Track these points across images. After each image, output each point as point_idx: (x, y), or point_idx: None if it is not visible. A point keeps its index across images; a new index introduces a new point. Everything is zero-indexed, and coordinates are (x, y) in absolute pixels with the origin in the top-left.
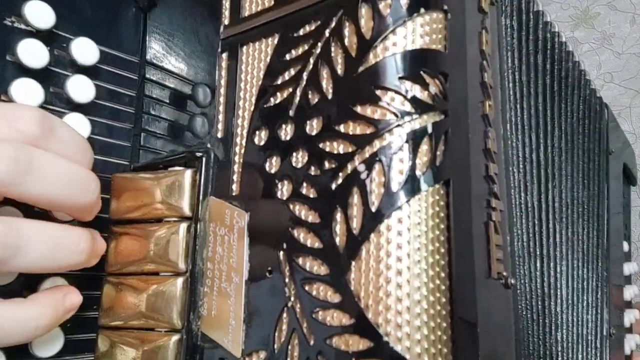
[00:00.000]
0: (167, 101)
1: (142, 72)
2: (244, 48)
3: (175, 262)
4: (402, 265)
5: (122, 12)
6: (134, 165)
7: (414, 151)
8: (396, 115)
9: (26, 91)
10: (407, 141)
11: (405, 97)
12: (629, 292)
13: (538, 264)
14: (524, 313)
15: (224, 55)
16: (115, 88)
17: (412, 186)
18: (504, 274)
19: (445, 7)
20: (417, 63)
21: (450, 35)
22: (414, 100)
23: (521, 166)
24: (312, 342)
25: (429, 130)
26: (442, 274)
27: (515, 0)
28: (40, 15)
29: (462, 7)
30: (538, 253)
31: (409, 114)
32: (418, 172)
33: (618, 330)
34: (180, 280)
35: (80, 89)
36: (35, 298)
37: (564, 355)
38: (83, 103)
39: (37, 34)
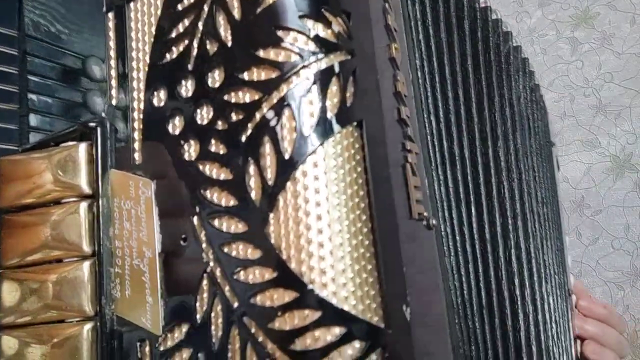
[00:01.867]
0: (56, 78)
1: (23, 47)
2: (131, 4)
3: (78, 245)
4: (321, 210)
5: None
6: (23, 147)
7: (323, 92)
8: (301, 56)
9: None
10: (314, 82)
11: (308, 36)
12: None
13: (473, 210)
14: (453, 254)
15: (110, 15)
16: None
17: (324, 128)
18: (425, 214)
19: None
20: (317, 0)
21: None
22: (318, 40)
23: (441, 115)
24: (235, 305)
25: (337, 69)
26: (364, 216)
27: None
28: None
29: None
30: (473, 200)
31: (314, 53)
32: (329, 114)
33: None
34: (86, 264)
35: None
36: None
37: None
38: None
39: None
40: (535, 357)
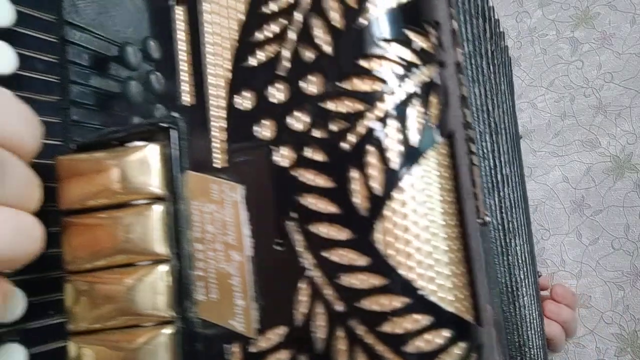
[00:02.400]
0: (92, 66)
1: (62, 33)
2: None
3: (154, 248)
4: (427, 219)
5: None
6: (76, 144)
7: (425, 103)
8: (405, 68)
9: None
10: (418, 94)
11: (411, 48)
12: None
13: (496, 201)
14: (492, 247)
15: (180, 10)
16: (36, 54)
17: (428, 139)
18: (486, 213)
19: None
20: (417, 11)
21: None
22: (420, 51)
23: (475, 115)
24: (339, 308)
25: (436, 80)
26: (456, 221)
27: None
28: None
29: None
30: (493, 191)
31: (416, 65)
32: (432, 124)
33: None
34: (164, 267)
35: (1, 57)
36: None
37: (519, 282)
38: (5, 75)
39: None
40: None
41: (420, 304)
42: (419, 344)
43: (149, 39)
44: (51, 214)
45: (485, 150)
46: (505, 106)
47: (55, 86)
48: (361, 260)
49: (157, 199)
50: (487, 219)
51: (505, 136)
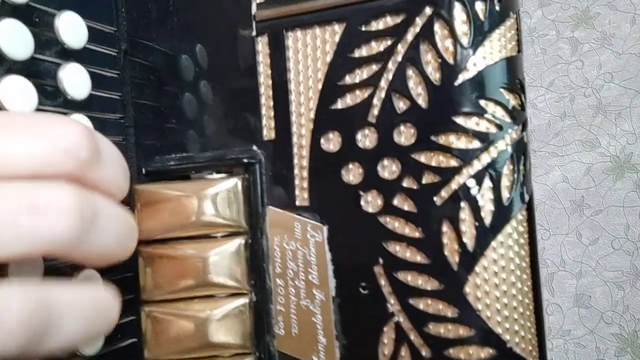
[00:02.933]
0: (150, 81)
1: (123, 47)
2: (290, 34)
3: (234, 281)
4: (514, 276)
5: None
6: (144, 170)
7: (517, 163)
8: (500, 128)
9: (16, 93)
10: (511, 154)
11: (506, 107)
12: None
13: None
14: None
15: (262, 40)
16: (99, 70)
17: (519, 200)
18: None
19: (518, 10)
20: (511, 70)
21: (520, 39)
22: (513, 111)
23: None
24: (426, 354)
25: (525, 140)
26: (532, 280)
27: None
28: None
29: (517, 9)
30: None
31: (510, 125)
32: (521, 185)
33: None
34: (243, 300)
35: (77, 81)
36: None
37: None
38: (80, 100)
39: (11, 11)
40: None
41: (507, 356)
42: None
43: (211, 56)
44: None
45: None
46: None
47: (117, 104)
48: (450, 311)
49: (237, 232)
50: None
51: None
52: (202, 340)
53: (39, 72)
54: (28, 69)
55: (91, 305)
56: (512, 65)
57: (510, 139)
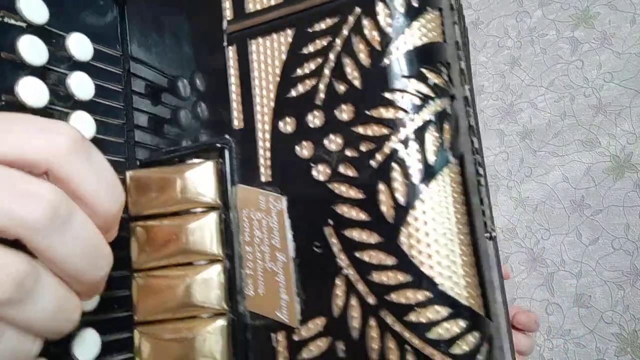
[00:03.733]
0: (152, 95)
1: (127, 67)
2: (253, 42)
3: (210, 249)
4: (444, 226)
5: (101, 6)
6: (138, 161)
7: (440, 129)
8: (423, 100)
9: (32, 90)
10: (434, 121)
11: (426, 83)
12: None
13: None
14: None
15: (231, 49)
16: (105, 84)
17: (443, 159)
18: (493, 228)
19: (441, 6)
20: (431, 54)
21: (446, 30)
22: (435, 86)
23: None
24: (371, 301)
25: (448, 111)
26: (467, 230)
27: None
28: (35, 9)
29: (446, 6)
30: None
31: (432, 98)
32: (445, 147)
33: None
34: (218, 266)
35: (82, 86)
36: None
37: None
38: (85, 101)
39: (29, 30)
40: None
41: (440, 297)
42: (440, 331)
43: (198, 74)
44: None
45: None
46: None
47: (120, 112)
48: (389, 260)
49: (212, 208)
50: (494, 234)
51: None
52: (183, 301)
53: (49, 77)
54: (43, 74)
55: (62, 301)
56: (432, 50)
57: (433, 110)
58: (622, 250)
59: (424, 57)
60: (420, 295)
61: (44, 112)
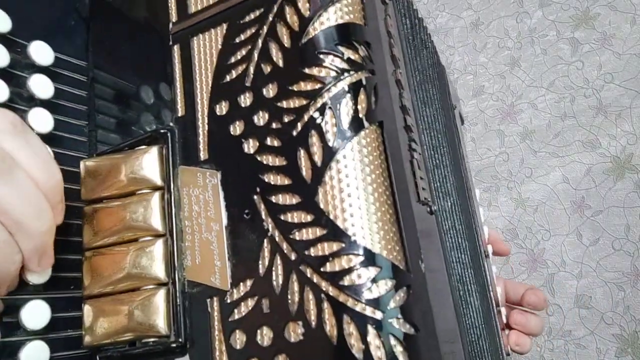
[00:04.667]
0: (114, 100)
1: (91, 75)
2: (194, 39)
3: (153, 225)
4: (357, 184)
5: (68, 20)
6: (97, 152)
7: (355, 98)
8: (337, 72)
9: None
10: (348, 91)
11: (342, 58)
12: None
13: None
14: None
15: (176, 47)
16: (68, 89)
17: (357, 125)
18: (429, 200)
19: None
20: (347, 33)
21: (367, 15)
22: (349, 61)
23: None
24: (293, 257)
25: (364, 82)
26: (387, 192)
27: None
28: None
29: None
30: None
31: (347, 70)
32: (360, 114)
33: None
34: (160, 241)
35: (41, 86)
36: None
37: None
38: (44, 99)
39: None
40: None
41: (353, 246)
42: (353, 278)
43: (160, 81)
44: (75, 209)
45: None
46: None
47: (84, 114)
48: (308, 217)
49: (156, 188)
50: (434, 207)
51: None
52: (128, 273)
53: (10, 79)
54: (5, 76)
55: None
56: (349, 29)
57: (348, 81)
58: (622, 251)
59: (340, 35)
60: (335, 246)
61: (5, 107)
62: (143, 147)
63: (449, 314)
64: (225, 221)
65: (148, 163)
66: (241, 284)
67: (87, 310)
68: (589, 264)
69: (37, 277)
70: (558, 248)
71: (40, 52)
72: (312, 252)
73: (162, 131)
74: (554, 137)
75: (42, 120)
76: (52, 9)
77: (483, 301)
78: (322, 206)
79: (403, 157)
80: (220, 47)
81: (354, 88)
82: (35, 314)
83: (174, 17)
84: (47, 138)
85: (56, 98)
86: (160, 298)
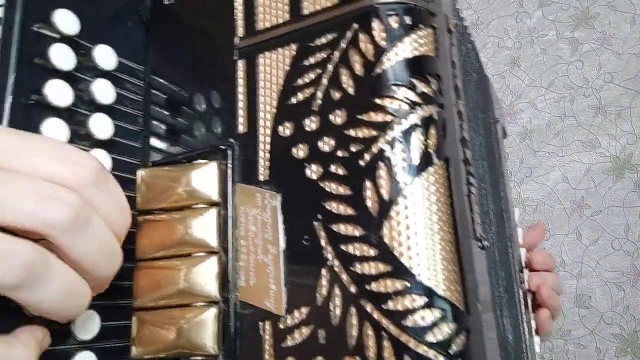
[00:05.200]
0: (168, 107)
1: (148, 80)
2: (261, 56)
3: (208, 242)
4: (425, 221)
5: (129, 24)
6: (151, 162)
7: (425, 133)
8: (410, 105)
9: (58, 92)
10: (420, 125)
11: (415, 91)
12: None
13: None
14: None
15: (241, 63)
16: (127, 94)
17: (426, 160)
18: (484, 237)
19: (435, 25)
20: (422, 65)
21: (439, 47)
22: (422, 94)
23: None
24: (353, 290)
25: (435, 117)
26: (451, 230)
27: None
28: (68, 22)
29: (441, 27)
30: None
31: (419, 104)
32: (430, 150)
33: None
34: (215, 258)
35: (104, 91)
36: (20, 339)
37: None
38: (106, 105)
39: (62, 40)
40: None
41: (417, 287)
42: (416, 319)
43: (214, 92)
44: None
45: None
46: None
47: (139, 119)
48: (372, 252)
49: (213, 204)
50: (486, 243)
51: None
52: (180, 290)
53: (78, 83)
54: (70, 79)
55: (72, 287)
56: (423, 62)
57: (420, 115)
58: (622, 251)
59: (415, 68)
60: (399, 285)
61: (68, 112)
62: (202, 161)
63: (497, 354)
64: (283, 245)
65: (207, 178)
66: (297, 311)
67: (136, 322)
68: (588, 264)
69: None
70: (558, 248)
71: (105, 56)
72: (374, 287)
73: (222, 147)
74: (554, 137)
75: (103, 126)
76: (114, 11)
77: (516, 331)
78: (387, 241)
79: (463, 192)
80: (288, 68)
81: (426, 123)
82: (87, 324)
83: (241, 31)
84: (106, 144)
85: (116, 103)
86: (211, 317)
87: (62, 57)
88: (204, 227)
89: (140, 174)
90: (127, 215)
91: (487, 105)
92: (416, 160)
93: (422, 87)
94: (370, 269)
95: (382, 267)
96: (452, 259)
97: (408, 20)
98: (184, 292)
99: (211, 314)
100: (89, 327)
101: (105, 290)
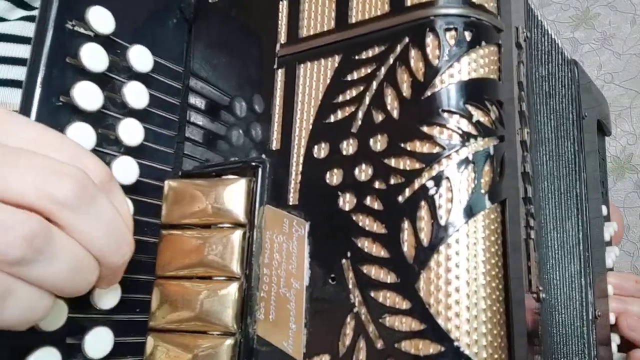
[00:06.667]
0: (206, 111)
1: (187, 82)
2: (302, 66)
3: (230, 266)
4: (470, 276)
5: (170, 22)
6: (181, 171)
7: (479, 171)
8: (462, 137)
9: (87, 94)
10: (472, 161)
11: (470, 120)
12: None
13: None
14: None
15: (280, 72)
16: (163, 96)
17: (478, 203)
18: (540, 288)
19: (500, 42)
20: (480, 90)
21: (503, 67)
22: (478, 124)
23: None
24: (379, 346)
25: (491, 152)
26: (500, 286)
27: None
28: (102, 20)
29: (508, 43)
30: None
31: (474, 136)
32: (482, 191)
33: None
34: (235, 285)
35: (136, 95)
36: None
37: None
38: (137, 109)
39: (95, 39)
40: None
41: (455, 354)
42: None
43: (257, 96)
44: (152, 225)
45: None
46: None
47: (174, 123)
48: (404, 304)
49: (238, 224)
50: (543, 295)
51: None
52: (197, 314)
53: (107, 83)
54: (100, 79)
55: (80, 262)
56: (482, 86)
57: (474, 149)
58: (622, 251)
59: (471, 93)
60: (432, 348)
61: (97, 115)
62: (231, 176)
63: None
64: (307, 281)
65: (234, 195)
66: (316, 357)
67: (150, 342)
68: None
69: (106, 301)
70: None
71: (140, 57)
72: (404, 346)
73: (253, 163)
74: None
75: (132, 132)
76: (153, 9)
77: None
78: (422, 295)
79: (520, 238)
80: (328, 81)
81: (480, 158)
82: (99, 341)
83: (282, 37)
84: (135, 150)
85: (149, 106)
86: (225, 350)
87: (93, 57)
88: (227, 250)
89: (168, 184)
90: (128, 219)
91: (572, 100)
92: (464, 202)
93: (478, 116)
94: (401, 324)
95: (415, 325)
96: (499, 322)
97: (468, 36)
98: (200, 319)
99: (226, 346)
100: (101, 345)
101: (121, 303)
